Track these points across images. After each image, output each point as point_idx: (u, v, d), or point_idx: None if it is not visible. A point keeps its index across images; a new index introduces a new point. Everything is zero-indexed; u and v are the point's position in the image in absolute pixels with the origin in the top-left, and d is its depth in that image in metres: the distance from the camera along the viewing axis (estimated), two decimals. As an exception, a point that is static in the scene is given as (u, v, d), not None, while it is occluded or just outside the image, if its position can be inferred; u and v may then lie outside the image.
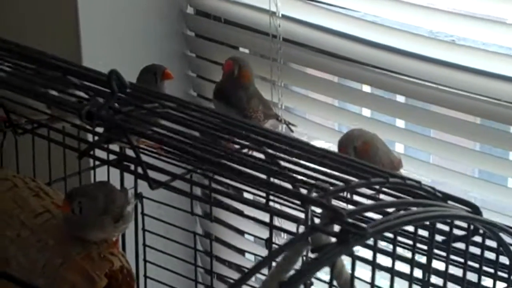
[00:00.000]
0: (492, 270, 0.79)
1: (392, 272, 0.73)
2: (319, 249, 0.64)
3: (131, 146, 0.80)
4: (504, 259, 0.78)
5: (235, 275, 1.52)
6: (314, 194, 0.71)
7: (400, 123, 1.42)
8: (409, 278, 0.75)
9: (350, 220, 0.62)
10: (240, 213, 1.34)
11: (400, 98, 1.38)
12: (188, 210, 1.19)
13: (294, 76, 1.47)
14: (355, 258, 0.69)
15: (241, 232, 1.58)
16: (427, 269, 0.76)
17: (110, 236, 1.03)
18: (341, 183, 0.70)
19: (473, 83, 1.22)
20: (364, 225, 0.61)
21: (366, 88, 1.42)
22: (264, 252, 1.34)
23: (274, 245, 1.02)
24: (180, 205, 1.20)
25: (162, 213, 1.22)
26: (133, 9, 1.51)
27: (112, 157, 0.96)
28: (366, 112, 1.44)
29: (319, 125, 1.44)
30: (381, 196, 0.82)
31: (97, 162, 1.13)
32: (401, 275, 0.79)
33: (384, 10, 1.30)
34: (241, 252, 1.58)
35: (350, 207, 0.81)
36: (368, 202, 0.82)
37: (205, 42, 1.56)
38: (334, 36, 1.36)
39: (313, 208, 0.67)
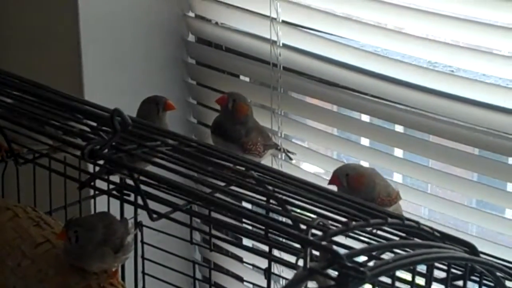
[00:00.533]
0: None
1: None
2: (318, 291, 0.64)
3: (132, 178, 0.81)
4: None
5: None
6: (313, 231, 0.72)
7: (398, 152, 1.43)
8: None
9: (349, 263, 0.62)
10: (239, 244, 1.35)
11: (399, 128, 1.38)
12: (187, 239, 1.20)
13: (294, 105, 1.47)
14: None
15: (240, 259, 1.58)
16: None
17: (110, 267, 1.03)
18: (340, 224, 0.71)
19: (472, 114, 1.23)
20: (362, 268, 0.62)
21: (365, 118, 1.43)
22: (262, 280, 1.34)
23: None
24: (180, 233, 1.20)
25: (160, 239, 1.22)
26: (135, 37, 1.52)
27: (112, 186, 0.96)
28: (365, 141, 1.44)
29: (317, 153, 1.45)
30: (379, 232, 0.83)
31: (97, 192, 1.14)
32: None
33: (384, 41, 1.31)
34: (240, 279, 1.59)
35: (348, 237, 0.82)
36: (366, 234, 0.83)
37: (206, 69, 1.57)
38: (333, 66, 1.36)
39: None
